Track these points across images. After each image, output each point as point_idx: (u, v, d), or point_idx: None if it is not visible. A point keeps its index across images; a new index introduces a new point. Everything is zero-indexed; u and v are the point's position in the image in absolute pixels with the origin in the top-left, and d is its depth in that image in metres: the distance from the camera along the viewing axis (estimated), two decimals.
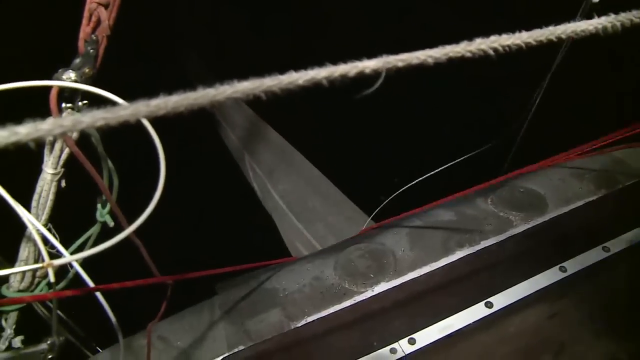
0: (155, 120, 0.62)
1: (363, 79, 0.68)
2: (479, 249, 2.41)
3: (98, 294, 1.62)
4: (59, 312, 1.82)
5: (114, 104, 1.41)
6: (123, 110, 0.57)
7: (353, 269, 2.42)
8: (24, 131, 0.53)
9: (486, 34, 0.80)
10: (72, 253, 1.73)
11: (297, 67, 0.64)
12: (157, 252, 2.13)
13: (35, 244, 1.58)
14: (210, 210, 5.64)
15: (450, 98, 6.51)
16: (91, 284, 1.61)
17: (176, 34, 7.81)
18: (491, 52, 0.78)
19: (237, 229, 5.36)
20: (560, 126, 5.12)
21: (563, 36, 0.85)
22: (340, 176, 5.08)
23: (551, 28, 0.84)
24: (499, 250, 2.41)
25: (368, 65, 0.65)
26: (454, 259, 2.38)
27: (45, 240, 1.63)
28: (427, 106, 6.51)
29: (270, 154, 5.36)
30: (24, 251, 1.66)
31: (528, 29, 0.84)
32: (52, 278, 1.57)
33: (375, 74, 0.67)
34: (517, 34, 0.82)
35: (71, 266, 1.65)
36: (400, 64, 0.68)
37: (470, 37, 0.80)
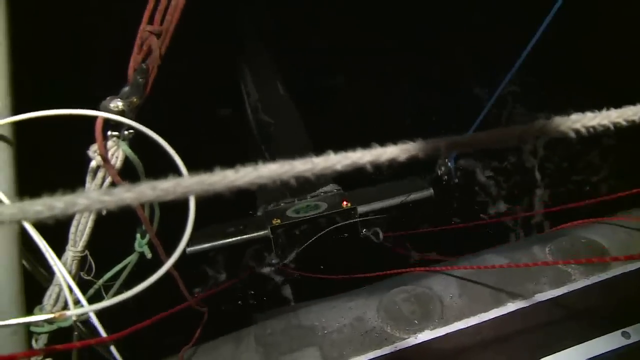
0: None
1: None
2: (532, 303, 2.24)
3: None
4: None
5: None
6: (125, 192, 0.50)
7: (397, 312, 2.29)
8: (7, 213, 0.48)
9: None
10: (107, 280, 1.71)
11: None
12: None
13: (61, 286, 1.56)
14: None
15: None
16: (104, 334, 1.58)
17: None
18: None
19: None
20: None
21: None
22: None
23: None
24: (554, 306, 2.23)
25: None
26: (505, 312, 2.22)
27: (82, 265, 1.62)
28: None
29: None
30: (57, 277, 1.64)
31: None
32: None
33: None
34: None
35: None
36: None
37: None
